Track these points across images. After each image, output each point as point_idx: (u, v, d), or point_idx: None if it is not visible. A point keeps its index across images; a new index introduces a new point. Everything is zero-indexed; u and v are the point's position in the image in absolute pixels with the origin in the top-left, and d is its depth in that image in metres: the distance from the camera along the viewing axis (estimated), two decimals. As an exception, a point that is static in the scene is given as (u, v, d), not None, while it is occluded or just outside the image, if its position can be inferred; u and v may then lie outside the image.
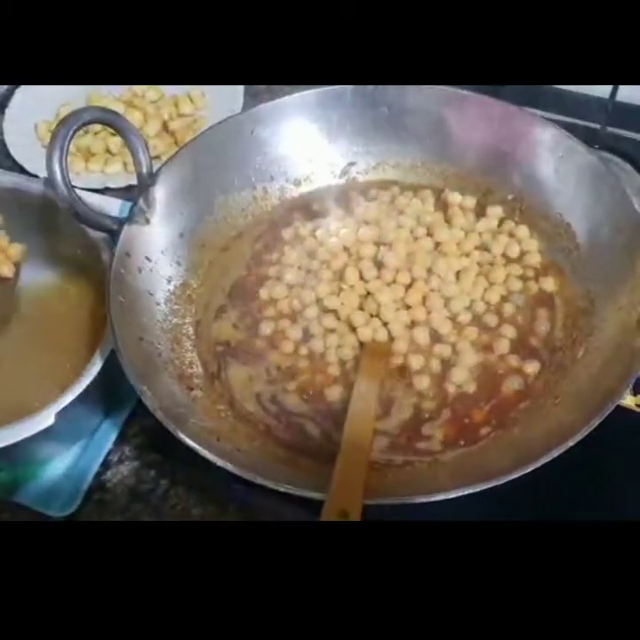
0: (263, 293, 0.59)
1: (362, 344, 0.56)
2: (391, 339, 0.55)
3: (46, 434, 0.49)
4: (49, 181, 0.51)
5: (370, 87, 0.62)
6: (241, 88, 0.79)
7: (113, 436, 0.58)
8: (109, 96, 0.80)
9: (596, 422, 0.44)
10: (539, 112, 0.66)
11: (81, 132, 0.53)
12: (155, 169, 0.58)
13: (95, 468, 0.57)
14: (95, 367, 0.51)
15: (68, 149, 0.50)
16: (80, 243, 0.59)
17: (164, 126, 0.78)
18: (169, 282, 0.59)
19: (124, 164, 0.75)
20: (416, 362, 0.54)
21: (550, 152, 0.60)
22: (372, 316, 0.56)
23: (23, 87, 0.81)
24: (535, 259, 0.59)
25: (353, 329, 0.56)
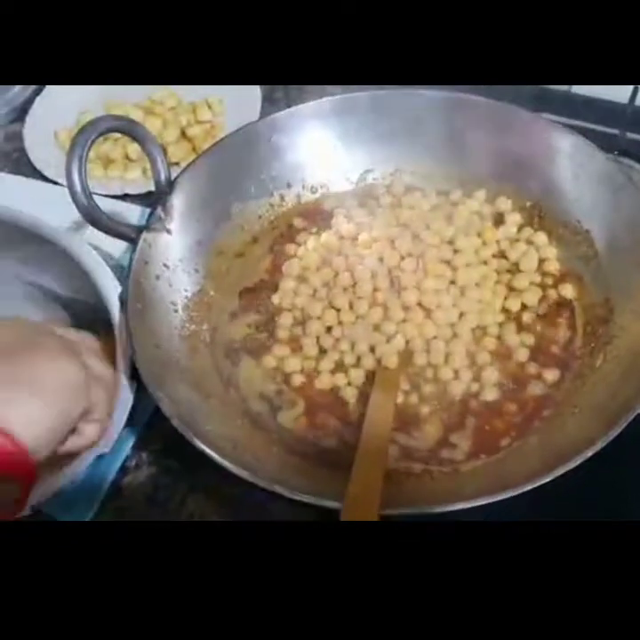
0: (277, 301, 0.60)
1: (378, 354, 0.55)
2: (409, 348, 0.55)
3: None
4: (68, 190, 0.51)
5: (386, 94, 0.62)
6: (258, 95, 0.79)
7: (131, 442, 0.58)
8: (128, 103, 0.80)
9: (614, 433, 0.44)
10: (556, 118, 0.66)
11: (100, 138, 0.53)
12: (174, 176, 0.58)
13: (113, 474, 0.57)
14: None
15: (86, 158, 0.51)
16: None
17: (183, 133, 0.79)
18: (186, 289, 0.59)
19: (144, 170, 0.75)
20: (435, 372, 0.54)
21: (568, 159, 0.59)
22: (388, 325, 0.56)
23: (43, 94, 0.82)
24: (554, 266, 0.59)
25: (369, 338, 0.56)
